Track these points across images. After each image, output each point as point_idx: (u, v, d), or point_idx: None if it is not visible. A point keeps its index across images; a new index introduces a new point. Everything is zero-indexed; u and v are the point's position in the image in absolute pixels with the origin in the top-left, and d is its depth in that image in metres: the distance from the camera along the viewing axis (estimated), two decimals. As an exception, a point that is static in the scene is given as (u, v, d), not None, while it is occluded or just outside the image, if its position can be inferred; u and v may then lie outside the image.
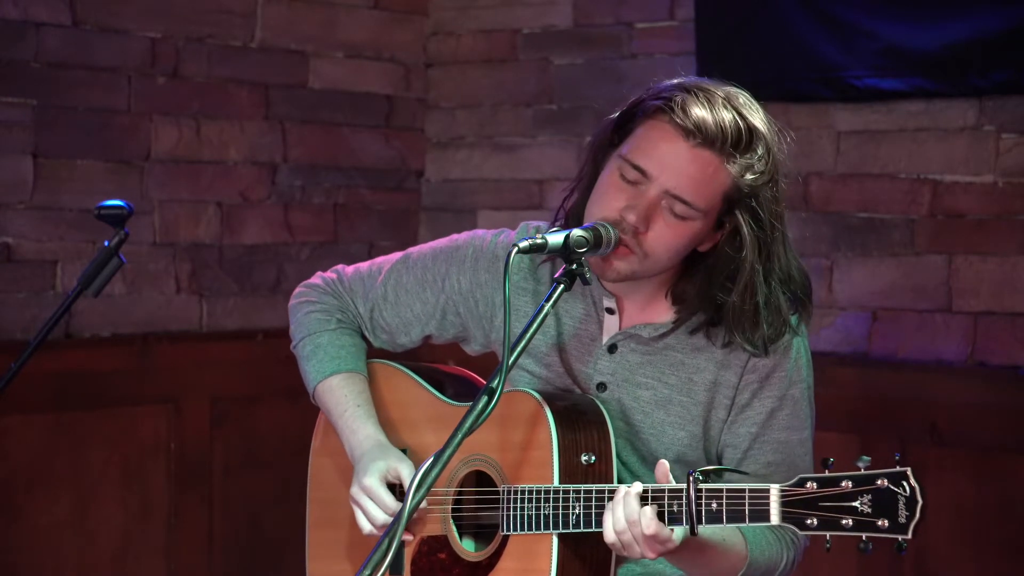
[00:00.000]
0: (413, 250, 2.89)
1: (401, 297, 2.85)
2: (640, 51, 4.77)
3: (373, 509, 2.67)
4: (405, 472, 2.68)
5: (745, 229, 2.55)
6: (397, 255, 2.90)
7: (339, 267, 2.96)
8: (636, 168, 2.53)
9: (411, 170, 5.23)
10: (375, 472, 2.69)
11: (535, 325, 2.43)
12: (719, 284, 2.58)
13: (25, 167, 4.36)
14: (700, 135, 2.50)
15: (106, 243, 2.98)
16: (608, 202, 2.55)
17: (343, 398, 2.82)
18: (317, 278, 2.96)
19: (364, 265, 2.93)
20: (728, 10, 4.47)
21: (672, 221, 2.53)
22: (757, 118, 2.55)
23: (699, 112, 2.50)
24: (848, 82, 4.27)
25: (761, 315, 2.57)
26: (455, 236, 2.86)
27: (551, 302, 2.44)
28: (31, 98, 4.36)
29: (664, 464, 2.42)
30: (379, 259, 2.93)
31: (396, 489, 2.70)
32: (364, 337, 2.93)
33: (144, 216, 4.56)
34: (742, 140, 2.52)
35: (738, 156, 2.52)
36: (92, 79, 4.47)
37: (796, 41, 4.33)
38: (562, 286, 2.46)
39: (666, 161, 2.51)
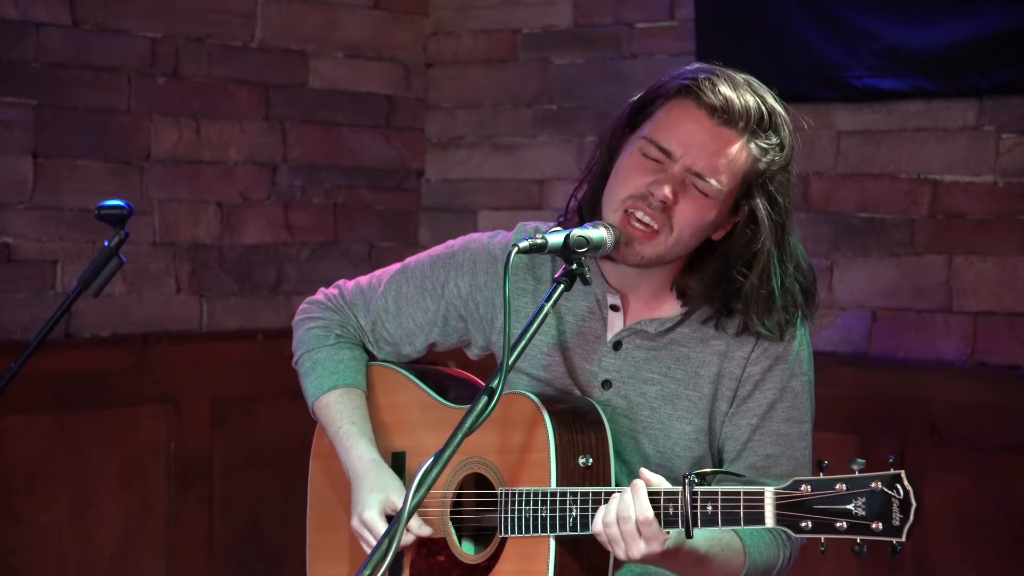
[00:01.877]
0: (411, 260, 2.89)
1: (402, 307, 2.85)
2: (640, 51, 4.77)
3: (374, 543, 2.67)
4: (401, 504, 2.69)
5: (762, 213, 2.57)
6: (395, 267, 2.91)
7: (340, 282, 2.97)
8: (659, 148, 2.55)
9: (411, 170, 5.23)
10: (374, 505, 2.70)
11: (535, 325, 2.43)
12: (737, 269, 2.60)
13: (25, 167, 4.36)
14: (726, 113, 2.53)
15: (106, 243, 2.98)
16: (632, 179, 2.56)
17: (337, 415, 2.83)
18: (319, 294, 2.97)
19: (364, 279, 2.94)
20: (728, 10, 4.47)
21: (696, 196, 2.54)
22: (776, 103, 2.59)
23: (725, 91, 2.54)
24: (848, 82, 4.27)
25: (776, 298, 2.59)
26: (451, 242, 2.86)
27: (551, 302, 2.45)
28: (31, 98, 4.36)
29: (644, 471, 2.43)
30: (378, 272, 2.94)
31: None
32: (367, 350, 2.93)
33: (144, 216, 4.56)
34: (764, 121, 2.56)
35: (760, 137, 2.55)
36: (92, 79, 4.47)
37: (796, 41, 4.33)
38: (562, 286, 2.46)
39: (690, 139, 2.54)
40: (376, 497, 2.70)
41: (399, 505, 2.69)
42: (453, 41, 5.19)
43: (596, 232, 2.51)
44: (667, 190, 2.52)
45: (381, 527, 2.67)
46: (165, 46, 4.60)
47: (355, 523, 2.72)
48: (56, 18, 4.38)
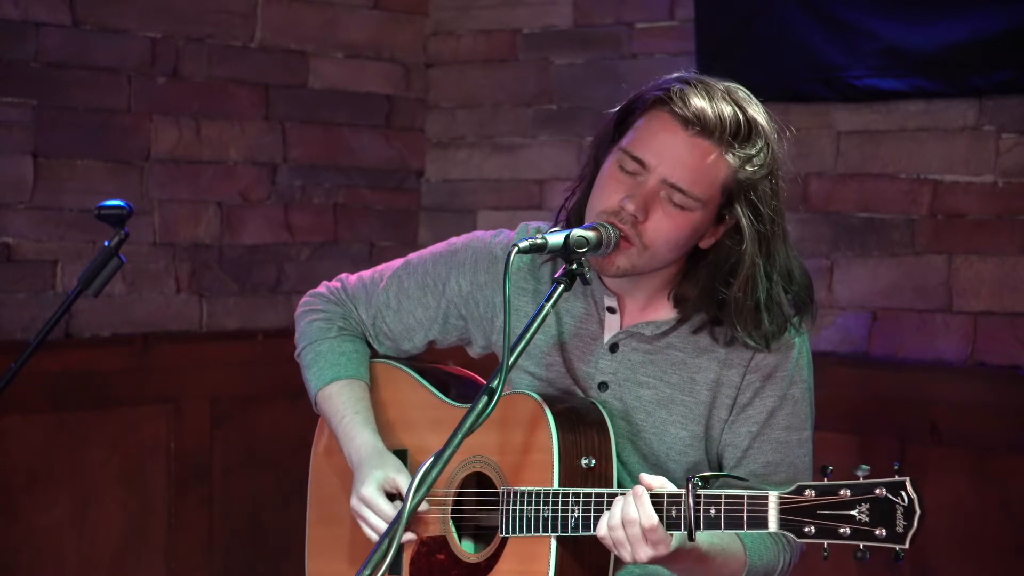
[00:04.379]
0: (413, 256, 2.90)
1: (403, 303, 2.86)
2: (640, 51, 4.77)
3: (374, 519, 2.68)
4: (402, 481, 2.69)
5: (744, 222, 2.56)
6: (398, 262, 2.91)
7: (343, 276, 2.97)
8: (634, 159, 2.55)
9: (411, 170, 5.23)
10: (373, 482, 2.70)
11: (535, 325, 2.43)
12: (721, 279, 2.59)
13: (25, 167, 4.36)
14: (698, 124, 2.51)
15: (106, 243, 2.98)
16: (608, 194, 2.56)
17: (341, 405, 2.83)
18: (322, 287, 2.97)
19: (367, 273, 2.94)
20: (728, 10, 4.47)
21: (671, 211, 2.54)
22: (757, 112, 2.57)
23: (698, 102, 2.52)
24: (848, 82, 4.27)
25: (762, 310, 2.58)
26: (453, 240, 2.87)
27: (551, 302, 2.45)
28: (31, 98, 4.36)
29: (644, 475, 2.43)
30: (381, 266, 2.94)
31: (395, 499, 2.70)
32: (368, 344, 2.93)
33: (144, 216, 4.56)
34: (740, 131, 2.54)
35: (737, 147, 2.54)
36: (92, 79, 4.47)
37: (796, 41, 4.33)
38: (562, 286, 2.47)
39: (664, 151, 2.53)
40: (375, 475, 2.70)
41: (399, 482, 2.69)
42: (453, 41, 5.19)
43: (596, 232, 2.51)
44: (636, 206, 2.52)
45: (380, 502, 2.67)
46: (165, 46, 4.60)
47: (353, 502, 2.71)
48: (56, 18, 4.38)
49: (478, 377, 2.91)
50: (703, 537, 2.43)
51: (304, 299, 2.99)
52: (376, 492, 2.68)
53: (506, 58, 5.09)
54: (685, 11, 4.63)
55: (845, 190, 4.35)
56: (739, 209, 2.56)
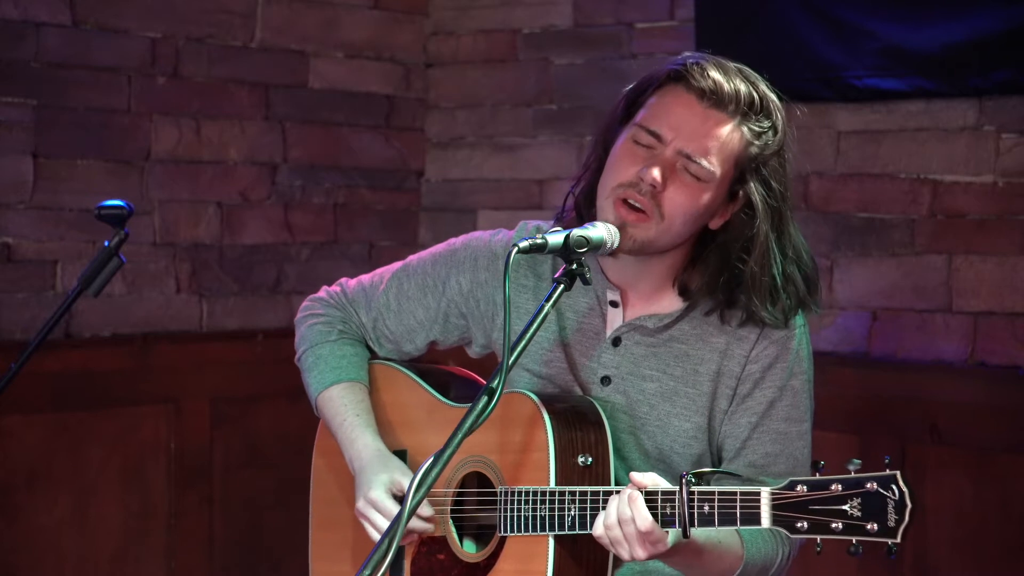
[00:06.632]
0: (413, 258, 2.91)
1: (403, 304, 2.86)
2: (640, 51, 4.77)
3: (383, 522, 2.68)
4: (407, 484, 2.69)
5: (757, 197, 2.58)
6: (397, 264, 2.92)
7: (342, 280, 2.98)
8: (650, 133, 2.56)
9: (411, 170, 5.23)
10: (380, 485, 2.70)
11: (535, 325, 2.43)
12: (736, 256, 2.61)
13: (25, 167, 4.36)
14: (715, 95, 2.55)
15: (106, 243, 2.99)
16: (625, 167, 2.57)
17: (342, 408, 2.83)
18: (322, 292, 2.98)
19: (366, 277, 2.95)
20: (728, 10, 4.47)
21: (688, 181, 2.55)
22: (768, 90, 2.61)
23: (714, 74, 2.56)
24: (848, 82, 4.27)
25: (779, 285, 2.60)
26: (452, 240, 2.87)
27: (551, 302, 2.45)
28: (31, 98, 4.36)
29: (634, 475, 2.44)
30: (380, 270, 2.95)
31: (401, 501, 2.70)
32: (368, 347, 2.94)
33: (144, 216, 4.56)
34: (755, 105, 2.57)
35: (751, 120, 2.57)
36: (92, 79, 4.47)
37: (796, 41, 4.33)
38: (562, 286, 2.47)
39: (680, 123, 2.55)
40: (382, 478, 2.71)
41: (405, 485, 2.69)
42: (453, 41, 5.19)
43: (596, 232, 2.51)
44: (656, 173, 2.53)
45: (389, 505, 2.67)
46: (165, 46, 4.60)
47: (360, 504, 2.71)
48: (56, 18, 4.38)
49: (478, 377, 2.92)
50: (699, 532, 2.43)
51: (304, 303, 3.00)
52: (384, 495, 2.69)
53: (506, 58, 5.09)
54: (685, 11, 4.63)
55: (845, 190, 4.35)
56: (751, 184, 2.58)
